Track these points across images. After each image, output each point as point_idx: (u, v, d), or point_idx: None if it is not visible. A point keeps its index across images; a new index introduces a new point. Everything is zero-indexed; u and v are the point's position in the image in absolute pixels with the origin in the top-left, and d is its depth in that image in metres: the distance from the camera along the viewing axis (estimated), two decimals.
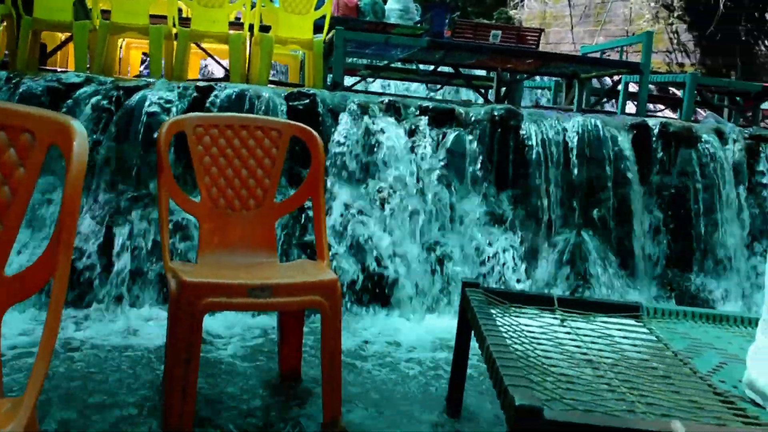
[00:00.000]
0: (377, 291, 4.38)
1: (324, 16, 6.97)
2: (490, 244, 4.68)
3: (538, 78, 9.70)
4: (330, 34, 6.38)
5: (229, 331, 3.90)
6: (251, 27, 6.77)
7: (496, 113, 4.93)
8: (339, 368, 2.83)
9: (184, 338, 2.60)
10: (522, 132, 4.89)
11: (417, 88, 10.37)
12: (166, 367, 2.70)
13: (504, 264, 4.62)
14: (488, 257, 4.65)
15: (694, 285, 5.04)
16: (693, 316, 3.02)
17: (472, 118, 4.91)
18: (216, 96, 4.75)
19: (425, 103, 5.00)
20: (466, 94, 9.89)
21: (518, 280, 4.60)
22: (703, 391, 2.18)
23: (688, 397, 2.10)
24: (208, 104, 4.72)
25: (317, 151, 3.16)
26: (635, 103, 8.44)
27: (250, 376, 3.30)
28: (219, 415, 2.86)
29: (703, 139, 5.21)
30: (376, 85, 10.00)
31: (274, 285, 2.69)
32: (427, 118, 4.88)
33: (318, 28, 7.01)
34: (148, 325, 3.94)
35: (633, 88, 10.07)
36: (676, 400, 2.07)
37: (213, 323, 3.89)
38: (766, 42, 13.43)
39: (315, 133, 3.20)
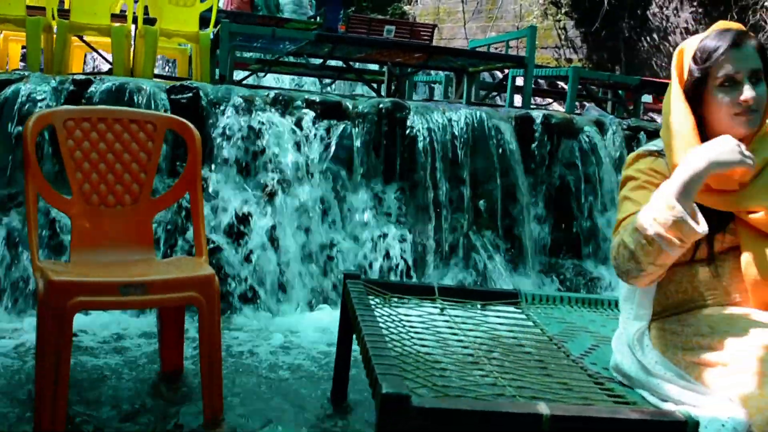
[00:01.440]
0: (264, 286, 4.33)
1: (211, 9, 6.84)
2: (378, 237, 4.69)
3: (433, 73, 9.80)
4: (217, 28, 6.27)
5: (108, 330, 3.78)
6: (136, 19, 6.59)
7: (382, 106, 4.94)
8: (219, 365, 2.78)
9: (53, 340, 2.50)
10: (408, 125, 4.91)
11: (310, 83, 10.31)
12: (36, 371, 2.59)
13: (393, 256, 4.64)
14: (377, 250, 4.66)
15: (580, 272, 5.19)
16: (570, 301, 3.09)
17: (359, 112, 4.90)
18: (94, 90, 4.58)
19: (312, 97, 4.96)
20: (362, 89, 9.90)
21: (407, 272, 4.62)
22: (575, 373, 2.23)
23: (560, 380, 2.15)
24: (86, 98, 4.55)
25: (194, 145, 3.08)
26: None
27: (129, 377, 3.20)
28: (95, 419, 2.75)
29: (584, 131, 5.37)
30: (270, 80, 9.90)
31: (147, 282, 2.61)
32: (313, 111, 4.84)
33: (206, 21, 6.87)
34: (24, 329, 3.77)
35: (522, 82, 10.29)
36: (547, 382, 2.10)
37: (89, 322, 3.76)
38: (647, 39, 13.98)
39: (191, 125, 3.12)
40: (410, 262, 4.67)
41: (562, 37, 14.82)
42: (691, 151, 1.92)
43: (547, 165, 5.30)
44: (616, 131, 5.50)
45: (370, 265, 4.61)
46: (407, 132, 4.91)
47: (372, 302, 2.70)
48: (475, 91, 7.38)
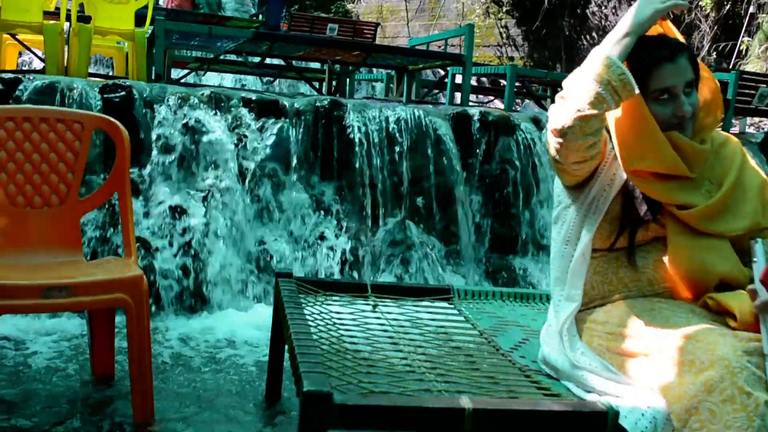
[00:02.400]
0: (200, 287, 4.28)
1: (147, 6, 6.73)
2: (316, 235, 4.67)
3: (375, 71, 9.79)
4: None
5: (37, 333, 3.70)
6: (70, 17, 6.45)
7: (320, 104, 4.92)
8: (149, 369, 2.73)
9: None
10: (346, 123, 4.90)
11: (252, 82, 10.24)
12: None
13: (330, 254, 4.63)
14: (315, 248, 4.64)
15: (517, 268, 5.23)
16: (502, 295, 3.12)
17: (297, 110, 4.87)
18: (24, 88, 4.48)
19: (248, 95, 4.92)
20: (305, 88, 9.86)
21: (345, 269, 4.61)
22: (503, 367, 2.25)
23: (487, 374, 2.16)
24: (14, 97, 4.44)
25: (122, 144, 3.03)
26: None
27: (59, 382, 3.13)
28: (22, 424, 2.69)
29: (520, 127, 5.42)
30: (213, 79, 9.80)
31: (72, 284, 2.56)
32: (250, 110, 4.80)
33: (144, 18, 6.76)
34: None
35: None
36: (474, 377, 2.12)
37: (18, 327, 3.68)
38: (587, 37, 14.19)
39: (119, 125, 3.06)
40: (348, 260, 4.66)
41: (504, 35, 14.97)
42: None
43: (484, 161, 5.33)
44: None
45: (308, 264, 4.59)
46: (345, 130, 4.90)
47: (303, 300, 2.69)
48: (416, 89, 7.40)
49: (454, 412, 1.75)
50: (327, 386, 1.72)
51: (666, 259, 2.07)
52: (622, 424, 1.80)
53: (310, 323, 2.38)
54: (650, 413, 1.79)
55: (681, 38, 2.10)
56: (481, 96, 10.90)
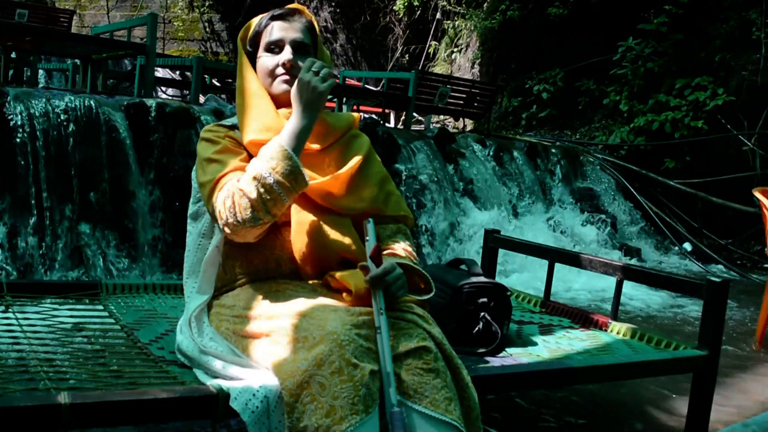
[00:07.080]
0: None
1: None
2: None
3: (68, 61, 9.22)
4: None
5: None
6: None
7: None
8: None
9: None
10: (6, 112, 4.53)
11: None
12: None
13: None
14: None
15: None
16: (154, 288, 3.06)
17: None
18: None
19: None
20: None
21: (4, 273, 4.27)
22: (135, 360, 2.20)
23: (114, 367, 2.10)
24: None
25: None
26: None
27: None
28: None
29: (200, 120, 5.35)
30: None
31: None
32: None
33: None
34: None
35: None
36: (97, 371, 2.05)
37: None
38: None
39: None
40: (7, 261, 4.31)
41: (209, 30, 14.81)
42: (266, 107, 2.10)
43: (162, 154, 5.18)
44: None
45: None
46: (6, 120, 4.53)
47: None
48: (103, 79, 7.04)
49: (50, 409, 1.66)
50: None
51: (292, 239, 2.13)
52: (232, 406, 1.81)
53: None
54: (262, 392, 1.82)
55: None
56: (186, 91, 10.71)
